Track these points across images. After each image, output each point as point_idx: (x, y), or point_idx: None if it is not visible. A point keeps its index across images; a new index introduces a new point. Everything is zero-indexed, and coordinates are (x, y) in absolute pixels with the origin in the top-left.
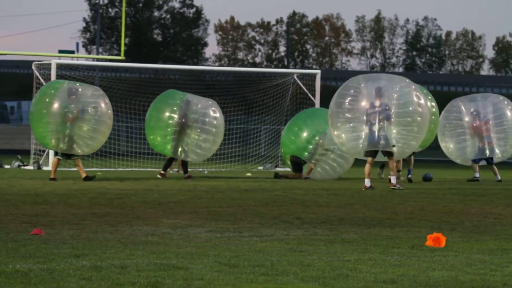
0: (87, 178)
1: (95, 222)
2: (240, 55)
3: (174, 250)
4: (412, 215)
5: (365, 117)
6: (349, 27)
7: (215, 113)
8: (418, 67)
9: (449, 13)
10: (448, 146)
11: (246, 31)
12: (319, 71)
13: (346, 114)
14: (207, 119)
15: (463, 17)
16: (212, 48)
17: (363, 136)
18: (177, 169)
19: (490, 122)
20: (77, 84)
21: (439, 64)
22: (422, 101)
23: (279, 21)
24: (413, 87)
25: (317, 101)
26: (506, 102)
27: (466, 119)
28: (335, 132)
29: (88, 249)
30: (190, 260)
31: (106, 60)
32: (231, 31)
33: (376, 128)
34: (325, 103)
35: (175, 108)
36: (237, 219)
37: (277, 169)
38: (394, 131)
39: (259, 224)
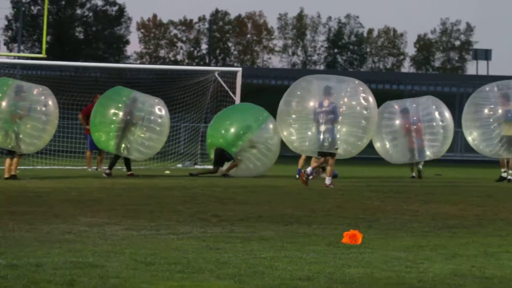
0: (12, 177)
1: (12, 220)
2: (162, 52)
3: (90, 248)
4: (330, 212)
5: (313, 117)
6: (271, 24)
7: (161, 111)
8: (339, 65)
9: (371, 11)
10: (381, 146)
11: (169, 29)
12: (240, 69)
13: (293, 114)
14: (152, 117)
15: (385, 15)
16: (134, 46)
17: (310, 136)
18: (96, 167)
19: (420, 124)
20: (24, 83)
21: (360, 61)
22: (371, 102)
23: (201, 19)
24: (361, 88)
25: (237, 98)
26: (434, 106)
27: (397, 121)
28: (284, 132)
29: (4, 248)
30: (106, 258)
31: (27, 58)
32: (153, 29)
33: (322, 128)
34: (245, 100)
35: (120, 105)
36: (154, 217)
37: (196, 166)
38: (344, 129)
39: (176, 222)
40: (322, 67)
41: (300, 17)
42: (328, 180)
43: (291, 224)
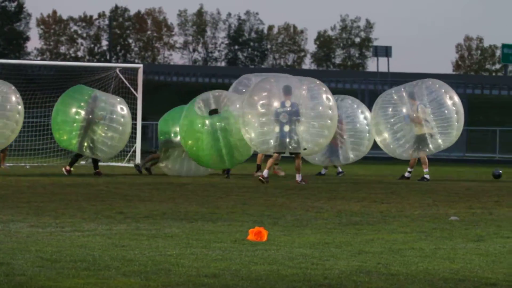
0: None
1: None
2: (63, 49)
3: None
4: (234, 209)
5: (274, 117)
6: (171, 21)
7: (122, 110)
8: (240, 61)
9: (271, 8)
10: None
11: (69, 25)
12: (141, 65)
13: (259, 114)
14: (114, 116)
15: (285, 12)
16: (34, 42)
17: (274, 136)
18: (9, 164)
19: (343, 123)
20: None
21: (261, 58)
22: (332, 102)
23: (101, 15)
24: (324, 88)
25: (139, 95)
26: (355, 105)
27: None
28: (247, 135)
29: None
30: (11, 255)
31: None
32: (54, 25)
33: (287, 128)
34: (147, 97)
35: (82, 104)
36: (59, 214)
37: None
38: (302, 128)
39: (81, 219)
40: (223, 64)
41: (200, 13)
42: (298, 177)
43: (196, 221)
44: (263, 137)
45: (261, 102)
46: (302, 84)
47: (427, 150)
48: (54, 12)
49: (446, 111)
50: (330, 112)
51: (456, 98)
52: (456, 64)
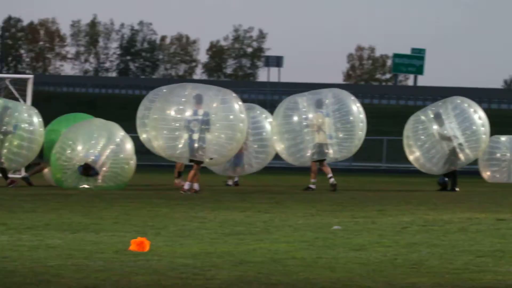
0: None
1: None
2: None
3: None
4: (118, 219)
5: (185, 124)
6: (64, 31)
7: (33, 119)
8: (132, 72)
9: (165, 18)
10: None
11: None
12: (31, 76)
13: (172, 119)
14: (24, 126)
15: (178, 22)
16: None
17: (183, 143)
18: None
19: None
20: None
21: (152, 68)
22: (244, 115)
23: None
24: (234, 95)
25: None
26: (264, 115)
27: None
28: (155, 141)
29: None
30: None
31: None
32: None
33: (195, 136)
34: (37, 108)
35: None
36: None
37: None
38: (210, 138)
39: None
40: (114, 74)
41: (93, 24)
42: (187, 185)
43: (79, 231)
44: (172, 142)
45: (176, 107)
46: (218, 95)
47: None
48: None
49: (351, 118)
50: (241, 125)
51: (361, 108)
52: (347, 73)
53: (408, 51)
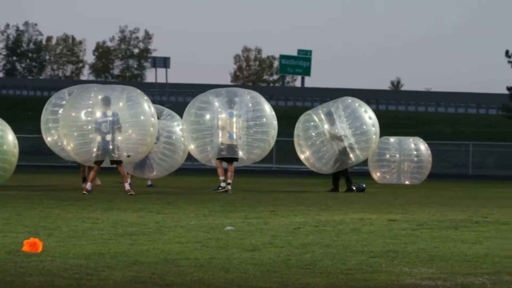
0: None
1: None
2: None
3: None
4: (9, 220)
5: (96, 127)
6: None
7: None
8: (19, 72)
9: (50, 18)
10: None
11: None
12: None
13: (82, 122)
14: None
15: (63, 23)
16: None
17: (97, 145)
18: None
19: None
20: None
21: (39, 69)
22: (153, 110)
23: None
24: (145, 97)
25: None
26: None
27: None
28: (68, 146)
29: None
30: None
31: None
32: None
33: (109, 137)
34: None
35: None
36: None
37: None
38: (121, 137)
39: None
40: (1, 75)
41: None
42: (127, 186)
43: None
44: (86, 147)
45: (85, 110)
46: (122, 94)
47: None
48: None
49: (264, 120)
50: (152, 119)
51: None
52: (235, 74)
53: (294, 53)
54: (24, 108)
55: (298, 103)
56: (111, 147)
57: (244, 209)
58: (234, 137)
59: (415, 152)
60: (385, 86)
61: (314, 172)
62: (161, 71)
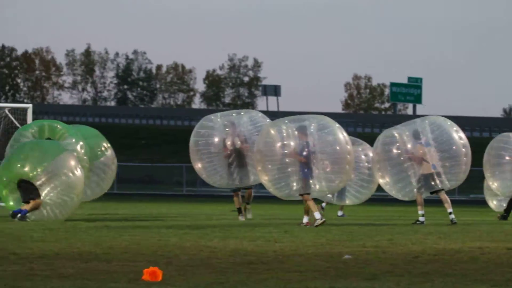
0: None
1: None
2: None
3: None
4: (128, 249)
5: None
6: (59, 60)
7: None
8: (130, 101)
9: (158, 47)
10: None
11: None
12: (30, 105)
13: (279, 158)
14: None
15: (172, 51)
16: None
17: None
18: None
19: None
20: None
21: (150, 97)
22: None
23: None
24: (338, 125)
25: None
26: None
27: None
28: (263, 178)
29: None
30: None
31: None
32: None
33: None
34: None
35: None
36: None
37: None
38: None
39: None
40: (113, 103)
41: (88, 53)
42: (305, 219)
43: (90, 261)
44: (284, 180)
45: (280, 143)
46: (311, 122)
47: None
48: None
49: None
50: (348, 147)
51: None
52: (346, 102)
53: (404, 80)
54: (136, 137)
55: None
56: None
57: (362, 238)
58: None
59: None
60: (497, 113)
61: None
62: (272, 99)
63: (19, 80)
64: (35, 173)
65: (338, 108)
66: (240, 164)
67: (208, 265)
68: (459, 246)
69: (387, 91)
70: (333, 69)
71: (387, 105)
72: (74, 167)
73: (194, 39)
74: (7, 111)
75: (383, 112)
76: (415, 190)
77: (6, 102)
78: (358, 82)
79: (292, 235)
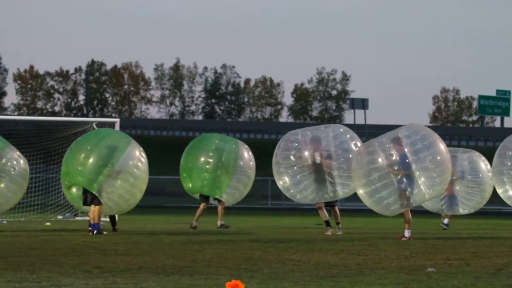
0: None
1: None
2: (39, 104)
3: None
4: (211, 262)
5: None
6: (148, 75)
7: (18, 162)
8: (218, 115)
9: (247, 61)
10: None
11: (45, 80)
12: (118, 120)
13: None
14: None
15: (261, 65)
16: (11, 97)
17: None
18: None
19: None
20: None
21: (238, 111)
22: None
23: (78, 70)
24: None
25: None
26: None
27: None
28: (360, 191)
29: None
30: None
31: None
32: (30, 80)
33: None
34: None
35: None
36: (36, 269)
37: (77, 218)
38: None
39: (58, 274)
40: (200, 117)
41: (177, 67)
42: (407, 233)
43: (173, 274)
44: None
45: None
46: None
47: None
48: (31, 67)
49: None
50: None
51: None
52: (433, 115)
53: (493, 93)
54: None
55: (498, 144)
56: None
57: (445, 251)
58: None
59: None
60: None
61: None
62: (359, 112)
63: (107, 95)
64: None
65: (426, 121)
66: (318, 179)
67: (292, 278)
68: None
69: (475, 104)
70: (421, 82)
71: (475, 117)
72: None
73: (283, 53)
74: (94, 125)
75: (471, 125)
76: None
77: (94, 116)
78: (446, 95)
79: (376, 248)
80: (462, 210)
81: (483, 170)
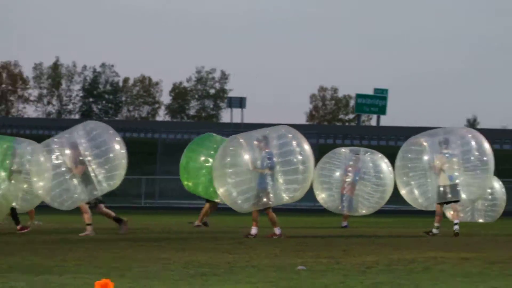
0: None
1: None
2: None
3: None
4: (82, 261)
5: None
6: (27, 74)
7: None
8: (95, 114)
9: (127, 60)
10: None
11: None
12: None
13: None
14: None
15: (140, 64)
16: None
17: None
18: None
19: None
20: None
21: (115, 110)
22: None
23: None
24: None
25: None
26: None
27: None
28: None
29: None
30: None
31: None
32: None
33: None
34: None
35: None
36: None
37: None
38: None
39: None
40: (77, 116)
41: (56, 66)
42: (277, 230)
43: (43, 274)
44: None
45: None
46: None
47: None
48: None
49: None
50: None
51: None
52: (310, 114)
53: (371, 92)
54: None
55: (373, 142)
56: None
57: (316, 249)
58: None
59: (489, 190)
60: (461, 123)
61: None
62: (236, 111)
63: None
64: None
65: (302, 120)
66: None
67: (161, 277)
68: (413, 256)
69: (352, 103)
70: (299, 81)
71: (351, 116)
72: None
73: (161, 52)
74: None
75: (347, 124)
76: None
77: None
78: (324, 93)
79: (246, 246)
80: (361, 210)
81: (385, 170)
